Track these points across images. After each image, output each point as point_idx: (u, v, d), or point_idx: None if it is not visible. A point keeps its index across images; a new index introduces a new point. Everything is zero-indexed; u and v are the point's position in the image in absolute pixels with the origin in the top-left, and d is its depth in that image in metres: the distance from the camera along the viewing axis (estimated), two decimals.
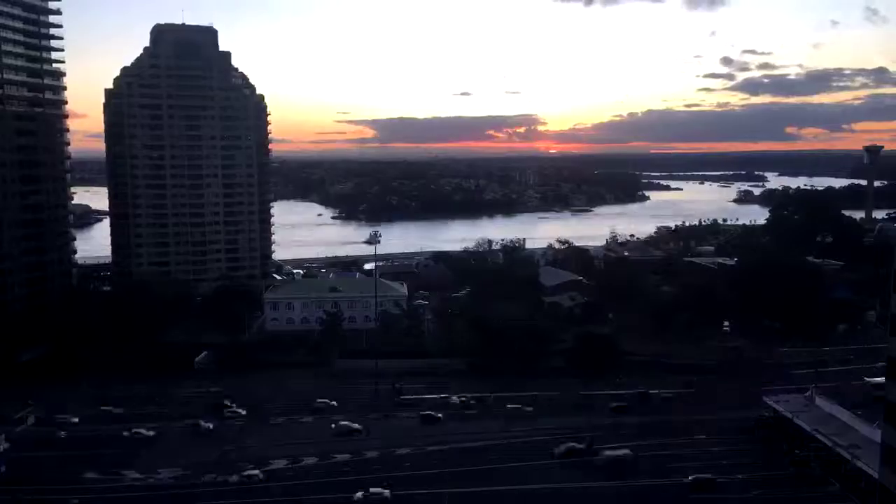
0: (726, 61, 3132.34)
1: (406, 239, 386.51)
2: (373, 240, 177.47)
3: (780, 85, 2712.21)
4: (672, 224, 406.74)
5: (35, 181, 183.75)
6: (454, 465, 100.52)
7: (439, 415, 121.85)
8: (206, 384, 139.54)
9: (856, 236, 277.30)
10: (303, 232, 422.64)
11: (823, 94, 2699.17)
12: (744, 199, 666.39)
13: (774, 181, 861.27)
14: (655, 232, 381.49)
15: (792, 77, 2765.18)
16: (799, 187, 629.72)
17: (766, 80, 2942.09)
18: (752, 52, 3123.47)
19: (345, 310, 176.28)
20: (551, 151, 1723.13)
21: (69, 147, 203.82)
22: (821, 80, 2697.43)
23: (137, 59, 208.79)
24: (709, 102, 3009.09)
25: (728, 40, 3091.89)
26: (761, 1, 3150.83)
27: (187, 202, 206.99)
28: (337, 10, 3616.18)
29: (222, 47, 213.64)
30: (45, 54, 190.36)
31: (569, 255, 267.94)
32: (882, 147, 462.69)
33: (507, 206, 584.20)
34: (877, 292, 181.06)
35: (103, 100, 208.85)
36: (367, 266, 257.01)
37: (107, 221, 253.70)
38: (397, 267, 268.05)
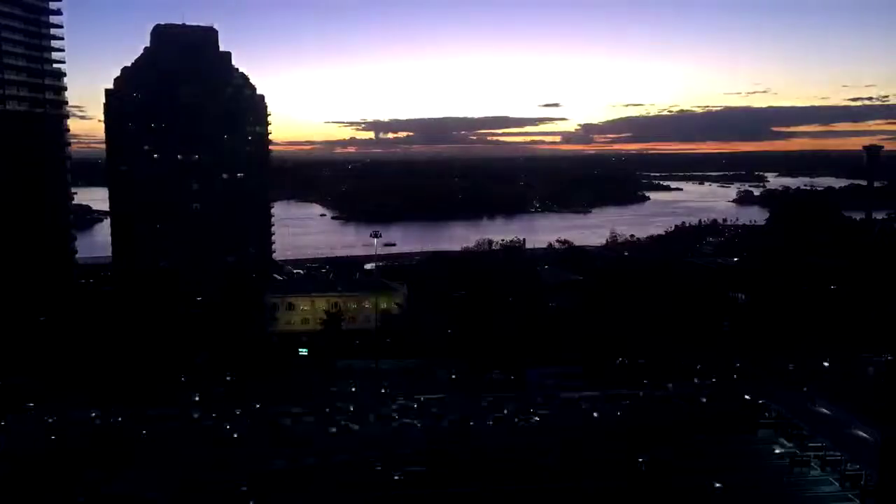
0: None
1: (406, 239, 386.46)
2: (375, 234, 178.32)
3: None
4: (674, 225, 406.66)
5: (36, 181, 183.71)
6: None
7: None
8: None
9: (856, 236, 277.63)
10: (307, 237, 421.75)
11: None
12: (744, 199, 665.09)
13: (774, 181, 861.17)
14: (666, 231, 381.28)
15: None
16: (799, 187, 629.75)
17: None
18: None
19: (345, 310, 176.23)
20: (552, 152, 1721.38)
21: (70, 147, 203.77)
22: None
23: (137, 59, 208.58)
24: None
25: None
26: None
27: (187, 202, 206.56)
28: (336, 11, 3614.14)
29: (222, 47, 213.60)
30: (45, 54, 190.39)
31: (569, 255, 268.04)
32: (882, 147, 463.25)
33: (508, 207, 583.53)
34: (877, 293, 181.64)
35: (103, 100, 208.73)
36: (367, 266, 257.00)
37: (107, 222, 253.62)
38: (397, 267, 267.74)
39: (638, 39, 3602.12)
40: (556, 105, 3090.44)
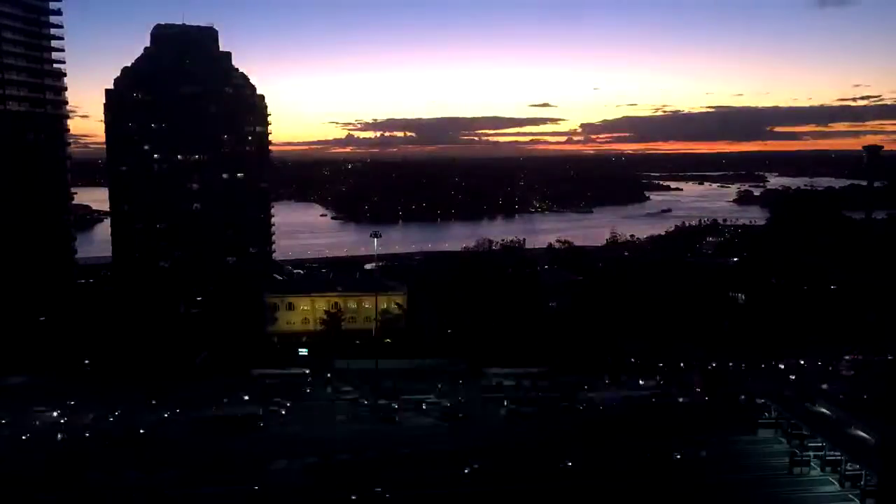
0: None
1: (406, 239, 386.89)
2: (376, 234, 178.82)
3: None
4: (674, 225, 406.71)
5: (36, 182, 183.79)
6: None
7: None
8: None
9: (856, 236, 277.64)
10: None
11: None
12: (744, 199, 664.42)
13: (774, 181, 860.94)
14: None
15: None
16: (799, 187, 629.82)
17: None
18: None
19: (345, 310, 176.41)
20: (551, 152, 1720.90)
21: (70, 147, 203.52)
22: None
23: (137, 60, 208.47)
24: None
25: None
26: None
27: (187, 202, 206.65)
28: (335, 12, 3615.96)
29: (222, 47, 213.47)
30: (45, 54, 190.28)
31: (569, 255, 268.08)
32: (882, 147, 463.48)
33: (509, 207, 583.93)
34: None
35: (103, 100, 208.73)
36: (368, 266, 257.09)
37: (107, 222, 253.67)
38: (397, 267, 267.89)
39: (630, 40, 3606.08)
40: (552, 105, 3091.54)
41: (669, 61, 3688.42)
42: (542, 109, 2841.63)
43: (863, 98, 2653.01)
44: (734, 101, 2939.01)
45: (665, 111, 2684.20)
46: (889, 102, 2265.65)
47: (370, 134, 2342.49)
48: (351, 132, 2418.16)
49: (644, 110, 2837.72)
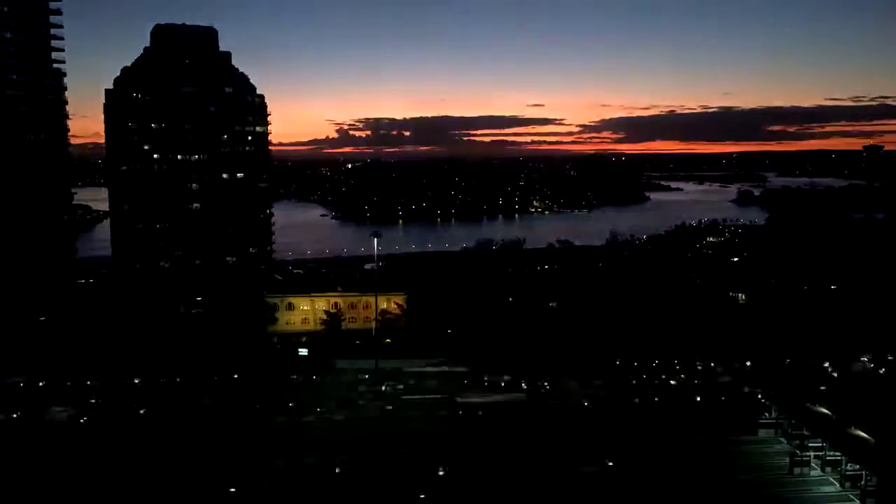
0: None
1: (406, 239, 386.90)
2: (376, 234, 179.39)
3: None
4: (674, 225, 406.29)
5: (36, 182, 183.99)
6: None
7: None
8: None
9: (856, 236, 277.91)
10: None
11: None
12: (744, 199, 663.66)
13: (774, 181, 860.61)
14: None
15: None
16: (799, 187, 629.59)
17: None
18: None
19: (345, 310, 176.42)
20: (551, 152, 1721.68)
21: (70, 147, 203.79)
22: None
23: (137, 59, 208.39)
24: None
25: None
26: None
27: (187, 202, 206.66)
28: (334, 11, 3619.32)
29: (222, 47, 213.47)
30: (45, 54, 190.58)
31: (569, 256, 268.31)
32: (882, 147, 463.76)
33: (509, 207, 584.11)
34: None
35: (103, 100, 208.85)
36: (368, 266, 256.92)
37: (107, 222, 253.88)
38: (397, 267, 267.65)
39: (630, 39, 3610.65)
40: (551, 106, 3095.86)
41: (668, 61, 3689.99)
42: (541, 109, 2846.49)
43: (862, 98, 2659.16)
44: (733, 101, 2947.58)
45: (664, 111, 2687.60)
46: (889, 102, 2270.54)
47: (370, 132, 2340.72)
48: (348, 131, 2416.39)
49: (643, 110, 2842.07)
